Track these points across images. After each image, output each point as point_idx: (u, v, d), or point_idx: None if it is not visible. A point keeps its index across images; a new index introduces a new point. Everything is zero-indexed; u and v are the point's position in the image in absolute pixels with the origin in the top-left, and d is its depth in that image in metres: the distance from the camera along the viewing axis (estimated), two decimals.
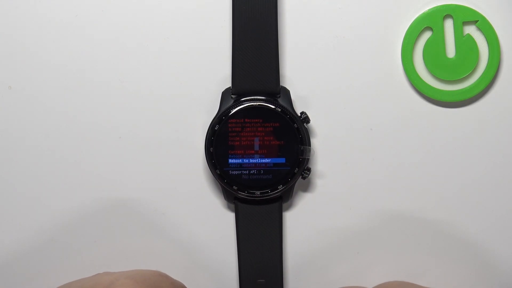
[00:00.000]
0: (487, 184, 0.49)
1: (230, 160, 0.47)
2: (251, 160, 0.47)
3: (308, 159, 0.47)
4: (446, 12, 0.48)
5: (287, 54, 0.49)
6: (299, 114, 0.47)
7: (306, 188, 0.50)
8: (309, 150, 0.47)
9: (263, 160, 0.47)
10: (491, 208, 0.50)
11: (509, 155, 0.49)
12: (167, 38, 0.49)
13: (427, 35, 0.48)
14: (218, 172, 0.47)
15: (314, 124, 0.49)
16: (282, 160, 0.47)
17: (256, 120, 0.46)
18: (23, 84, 0.48)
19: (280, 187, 0.47)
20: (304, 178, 0.47)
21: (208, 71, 0.48)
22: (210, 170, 0.47)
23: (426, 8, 0.48)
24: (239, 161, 0.47)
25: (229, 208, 0.50)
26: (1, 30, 0.48)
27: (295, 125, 0.46)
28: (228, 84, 0.48)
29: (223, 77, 0.48)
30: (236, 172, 0.47)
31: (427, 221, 0.49)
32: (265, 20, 0.46)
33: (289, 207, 0.50)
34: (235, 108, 0.46)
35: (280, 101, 0.47)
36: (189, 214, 0.50)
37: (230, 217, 0.50)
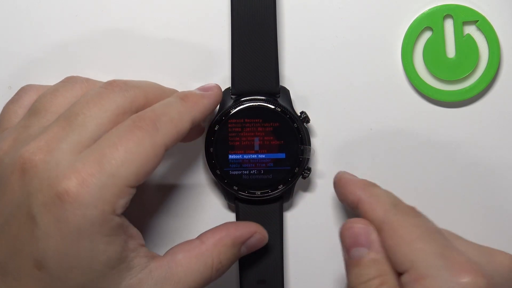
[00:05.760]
0: (487, 183, 0.49)
1: (230, 160, 0.47)
2: (251, 156, 0.47)
3: (308, 159, 0.47)
4: (446, 12, 0.48)
5: (286, 54, 0.49)
6: (299, 114, 0.47)
7: (306, 188, 0.50)
8: (309, 150, 0.47)
9: (263, 156, 0.47)
10: (492, 208, 0.50)
11: (509, 155, 0.49)
12: (167, 38, 0.48)
13: (427, 35, 0.48)
14: (218, 173, 0.47)
15: (314, 124, 0.49)
16: (282, 155, 0.47)
17: (256, 120, 0.46)
18: (23, 84, 0.48)
19: (281, 187, 0.47)
20: (304, 178, 0.47)
21: (207, 71, 0.48)
22: (210, 170, 0.47)
23: (426, 8, 0.48)
24: (239, 161, 0.47)
25: (230, 208, 0.50)
26: (1, 30, 0.48)
27: (295, 125, 0.46)
28: (228, 84, 0.48)
29: (222, 78, 0.48)
30: (236, 172, 0.47)
31: None
32: (264, 20, 0.46)
33: (289, 207, 0.50)
34: (235, 108, 0.46)
35: (280, 101, 0.47)
36: (189, 215, 0.50)
37: (231, 217, 0.50)
